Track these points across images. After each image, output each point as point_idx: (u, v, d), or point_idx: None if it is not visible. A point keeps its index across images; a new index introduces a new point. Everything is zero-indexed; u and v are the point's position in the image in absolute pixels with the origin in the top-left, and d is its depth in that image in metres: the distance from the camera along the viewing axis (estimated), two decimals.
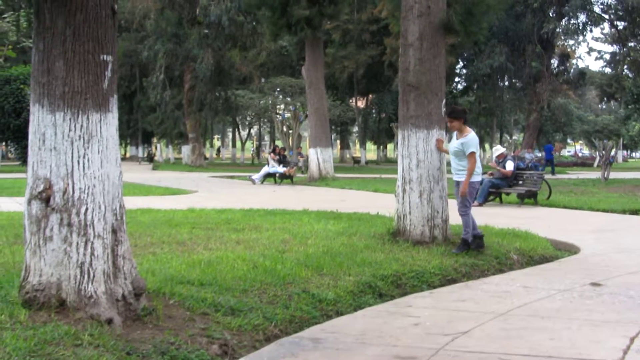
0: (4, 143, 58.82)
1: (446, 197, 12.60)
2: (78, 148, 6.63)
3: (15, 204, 18.99)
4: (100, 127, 6.76)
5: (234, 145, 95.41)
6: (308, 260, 10.13)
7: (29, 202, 6.68)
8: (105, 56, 6.84)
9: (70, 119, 6.62)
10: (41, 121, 6.68)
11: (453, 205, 12.15)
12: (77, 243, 6.56)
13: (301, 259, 10.27)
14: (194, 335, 6.70)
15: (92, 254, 6.61)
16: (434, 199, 12.38)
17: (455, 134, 12.03)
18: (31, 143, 6.79)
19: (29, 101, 23.38)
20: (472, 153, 11.77)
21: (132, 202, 17.98)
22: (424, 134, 12.34)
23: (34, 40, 6.88)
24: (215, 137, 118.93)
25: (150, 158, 77.39)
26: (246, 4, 39.36)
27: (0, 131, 42.20)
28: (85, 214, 6.60)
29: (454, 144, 11.98)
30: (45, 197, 6.58)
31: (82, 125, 6.65)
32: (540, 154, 61.37)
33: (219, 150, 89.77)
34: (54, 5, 6.72)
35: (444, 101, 12.67)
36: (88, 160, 6.66)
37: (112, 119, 6.91)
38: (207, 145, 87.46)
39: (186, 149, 61.96)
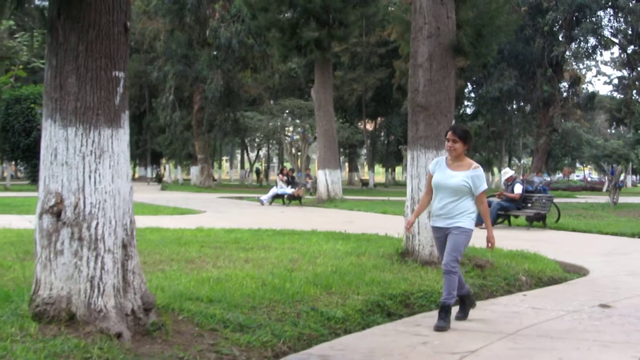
0: (13, 163, 58.97)
1: None
2: (89, 163, 6.67)
3: (25, 222, 19.05)
4: (112, 143, 6.80)
5: (242, 167, 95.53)
6: (317, 279, 10.13)
7: (40, 216, 6.72)
8: (117, 72, 6.89)
9: (82, 134, 6.66)
10: (53, 136, 6.72)
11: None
12: (88, 257, 6.59)
13: (310, 277, 10.28)
14: (202, 351, 6.71)
15: (102, 268, 6.64)
16: None
17: (446, 161, 8.97)
18: (43, 158, 6.83)
19: (39, 120, 23.61)
20: (485, 191, 8.87)
21: (141, 221, 18.00)
22: (433, 155, 12.35)
23: (47, 56, 6.93)
24: (224, 158, 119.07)
25: (158, 179, 77.46)
26: (256, 26, 39.49)
27: (10, 150, 42.36)
28: (96, 228, 6.63)
29: (454, 176, 8.78)
30: (56, 212, 6.62)
31: (93, 141, 6.69)
32: (548, 178, 61.28)
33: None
34: (67, 21, 6.78)
35: (452, 122, 12.68)
36: (99, 175, 6.70)
37: (123, 135, 6.95)
38: (216, 166, 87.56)
39: (195, 170, 62.06)
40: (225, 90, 54.63)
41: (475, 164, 8.90)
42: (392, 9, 49.70)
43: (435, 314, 9.25)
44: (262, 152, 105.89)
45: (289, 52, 35.71)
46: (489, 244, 8.94)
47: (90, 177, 6.66)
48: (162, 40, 56.39)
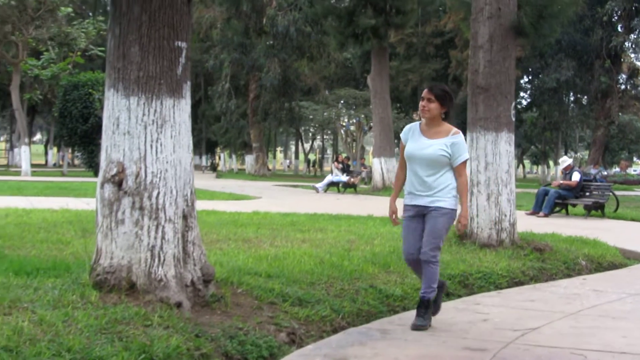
0: (69, 150, 59.60)
1: (514, 200, 12.47)
2: (151, 132, 6.67)
3: (82, 204, 19.21)
4: (174, 113, 6.80)
5: (296, 157, 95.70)
6: (375, 258, 10.09)
7: (102, 186, 6.73)
8: (179, 42, 6.88)
9: (144, 104, 6.66)
10: (115, 105, 6.73)
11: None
12: (149, 227, 6.59)
13: (368, 256, 10.25)
14: (262, 323, 6.69)
15: (162, 237, 6.64)
16: (502, 202, 12.25)
17: (420, 128, 7.48)
18: (105, 127, 6.85)
19: (96, 107, 23.71)
20: (465, 162, 7.37)
21: (197, 205, 18.00)
22: (492, 137, 12.23)
23: (110, 25, 6.95)
24: (278, 148, 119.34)
25: (213, 167, 77.86)
26: (313, 14, 39.45)
27: (67, 136, 42.76)
28: (157, 198, 6.64)
29: (430, 145, 7.32)
30: (117, 181, 6.62)
31: (155, 110, 6.69)
32: (606, 172, 60.55)
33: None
34: None
35: (513, 104, 12.55)
36: (161, 145, 6.69)
37: (185, 105, 6.94)
38: (270, 156, 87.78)
39: (250, 159, 62.26)
40: (282, 79, 54.61)
41: (455, 129, 7.36)
42: None
43: (495, 294, 9.18)
44: (317, 143, 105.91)
45: (345, 40, 35.56)
46: (460, 224, 7.49)
47: (151, 146, 6.66)
48: (219, 28, 56.52)
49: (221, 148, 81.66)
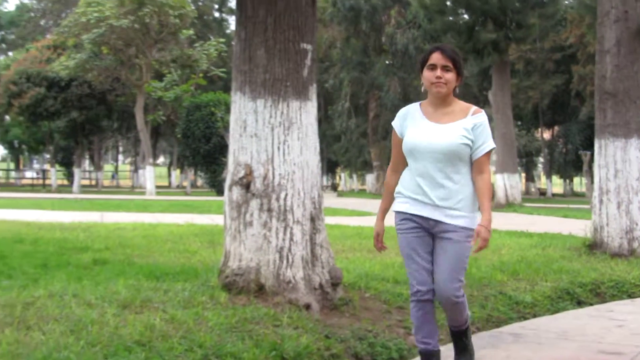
0: (192, 171, 60.64)
1: None
2: (278, 134, 6.67)
3: (206, 219, 19.46)
4: (300, 115, 6.78)
5: None
6: (503, 266, 9.93)
7: (230, 188, 6.76)
8: (305, 44, 6.87)
9: (270, 106, 6.67)
10: (242, 108, 6.76)
11: None
12: (277, 228, 6.58)
13: (496, 264, 10.11)
14: (391, 326, 6.63)
15: (291, 239, 6.62)
16: (633, 210, 11.88)
17: (421, 109, 5.28)
18: (232, 130, 6.88)
19: (218, 127, 24.09)
20: (490, 153, 5.14)
21: None
22: (621, 143, 11.89)
23: (236, 29, 7.00)
24: None
25: (334, 187, 78.15)
26: (432, 30, 39.31)
27: (191, 156, 43.53)
28: (284, 199, 6.62)
29: (444, 129, 5.09)
30: (245, 183, 6.64)
31: (282, 112, 6.69)
32: None
33: None
34: None
35: None
36: (288, 147, 6.69)
37: (311, 107, 6.93)
38: None
39: (370, 178, 62.26)
40: (402, 97, 54.47)
41: (474, 107, 5.17)
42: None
43: (629, 302, 8.91)
44: None
45: (465, 55, 35.28)
46: (480, 240, 4.96)
47: (279, 148, 6.66)
48: (338, 47, 56.87)
49: (341, 168, 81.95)
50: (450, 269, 5.10)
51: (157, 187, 53.45)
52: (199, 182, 69.99)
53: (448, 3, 34.60)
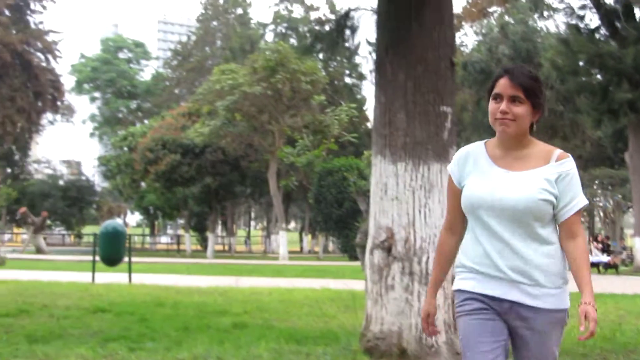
0: (324, 236, 60.88)
1: None
2: (419, 197, 6.66)
3: (341, 284, 19.46)
4: (441, 177, 6.76)
5: None
6: None
7: (371, 252, 6.76)
8: (444, 107, 6.88)
9: (411, 169, 6.68)
10: (383, 172, 6.78)
11: None
12: (419, 292, 6.55)
13: None
14: None
15: None
16: None
17: (487, 151, 3.85)
18: (373, 194, 6.91)
19: (351, 192, 24.05)
20: (580, 213, 3.71)
21: None
22: None
23: (376, 93, 7.06)
24: None
25: None
26: (565, 90, 38.83)
27: (323, 221, 43.74)
28: (426, 262, 6.59)
29: (520, 181, 3.66)
30: (387, 246, 6.63)
31: (422, 175, 6.68)
32: None
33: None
34: (395, 58, 6.87)
35: None
36: (429, 210, 6.67)
37: None
38: None
39: None
40: None
41: (559, 150, 3.74)
42: None
43: None
44: None
45: (600, 116, 34.68)
46: (592, 324, 3.38)
47: (420, 211, 6.64)
48: (469, 110, 56.69)
49: None
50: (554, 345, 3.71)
51: (289, 252, 53.87)
52: (331, 246, 70.27)
53: (581, 63, 34.13)
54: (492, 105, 3.75)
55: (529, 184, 3.63)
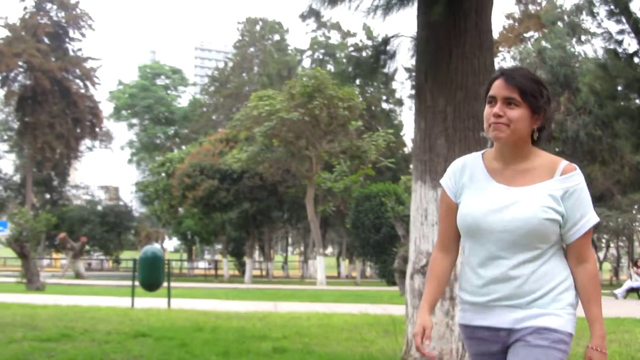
0: (362, 261, 60.80)
1: None
2: None
3: (379, 309, 19.48)
4: None
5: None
6: None
7: (412, 277, 6.80)
8: (484, 133, 6.90)
9: None
10: (423, 197, 6.82)
11: None
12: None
13: None
14: None
15: None
16: None
17: (484, 163, 3.51)
18: (413, 219, 6.94)
19: (388, 217, 24.09)
20: (591, 232, 3.35)
21: None
22: None
23: (415, 119, 7.11)
24: None
25: None
26: (604, 115, 38.60)
27: (360, 246, 43.74)
28: None
29: (520, 197, 3.33)
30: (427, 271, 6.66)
31: None
32: None
33: None
34: (435, 85, 6.92)
35: None
36: None
37: None
38: None
39: None
40: None
41: (565, 162, 3.44)
42: None
43: None
44: (610, 251, 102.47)
45: (639, 140, 34.45)
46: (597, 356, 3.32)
47: None
48: None
49: None
50: None
51: (327, 277, 53.85)
52: (368, 271, 70.09)
53: (619, 88, 33.93)
54: (486, 109, 3.42)
55: (532, 202, 3.29)
